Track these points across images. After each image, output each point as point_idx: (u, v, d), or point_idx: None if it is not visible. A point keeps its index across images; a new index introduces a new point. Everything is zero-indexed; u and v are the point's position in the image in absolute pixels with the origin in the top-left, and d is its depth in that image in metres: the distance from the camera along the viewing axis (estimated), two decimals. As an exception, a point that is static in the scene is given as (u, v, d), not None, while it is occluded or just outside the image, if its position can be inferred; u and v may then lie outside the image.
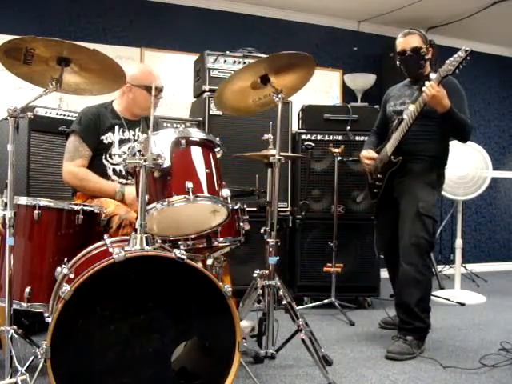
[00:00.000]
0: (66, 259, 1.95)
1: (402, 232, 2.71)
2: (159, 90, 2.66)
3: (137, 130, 2.70)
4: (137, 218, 1.87)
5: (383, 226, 3.04)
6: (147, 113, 2.72)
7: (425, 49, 2.73)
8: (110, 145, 2.59)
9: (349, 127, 3.72)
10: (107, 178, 2.58)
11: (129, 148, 2.58)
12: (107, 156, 2.59)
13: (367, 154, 2.94)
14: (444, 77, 2.45)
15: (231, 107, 2.51)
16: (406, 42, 2.76)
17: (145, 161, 1.85)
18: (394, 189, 2.82)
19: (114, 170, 2.60)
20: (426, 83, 2.49)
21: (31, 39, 1.84)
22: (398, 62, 2.81)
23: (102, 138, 2.58)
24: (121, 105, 2.71)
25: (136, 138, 2.67)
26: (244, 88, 2.35)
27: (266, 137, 2.49)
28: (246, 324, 2.65)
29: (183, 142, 1.99)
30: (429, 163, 2.74)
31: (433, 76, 2.52)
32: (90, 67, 2.02)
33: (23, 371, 1.75)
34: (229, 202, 2.06)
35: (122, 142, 2.62)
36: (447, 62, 2.44)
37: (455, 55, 2.41)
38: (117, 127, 2.63)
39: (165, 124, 3.44)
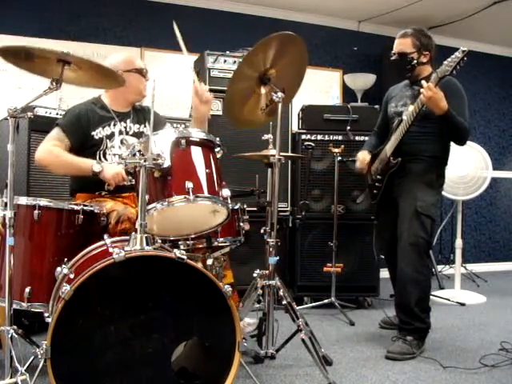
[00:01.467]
0: (66, 259, 1.95)
1: (400, 231, 2.71)
2: (146, 70, 2.70)
3: (128, 121, 2.66)
4: (137, 217, 1.87)
5: (383, 226, 3.04)
6: (141, 97, 2.73)
7: (415, 54, 2.71)
8: (101, 140, 2.56)
9: (349, 127, 3.72)
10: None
11: (122, 141, 2.58)
12: (101, 155, 2.56)
13: (361, 158, 2.96)
14: (441, 77, 2.44)
15: (246, 121, 2.54)
16: (397, 44, 2.77)
17: (145, 161, 1.84)
18: (394, 189, 2.82)
19: None
20: (424, 83, 2.48)
21: (24, 49, 1.84)
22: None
23: (93, 133, 2.55)
24: (110, 97, 2.66)
25: (128, 129, 2.65)
26: (250, 96, 2.37)
27: (265, 137, 2.49)
28: (251, 321, 2.65)
29: (183, 141, 1.99)
30: (428, 163, 2.73)
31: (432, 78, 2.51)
32: (89, 69, 2.03)
33: (23, 371, 1.75)
34: (229, 202, 2.06)
35: (113, 134, 2.59)
36: (445, 62, 2.43)
37: (452, 56, 2.40)
38: (108, 123, 2.59)
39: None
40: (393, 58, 2.77)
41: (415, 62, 2.72)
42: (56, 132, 2.52)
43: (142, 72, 2.66)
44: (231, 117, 2.47)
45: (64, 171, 2.55)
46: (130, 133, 2.65)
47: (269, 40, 2.25)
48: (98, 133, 2.56)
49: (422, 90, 2.49)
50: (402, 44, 2.75)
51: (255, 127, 2.63)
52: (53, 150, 2.46)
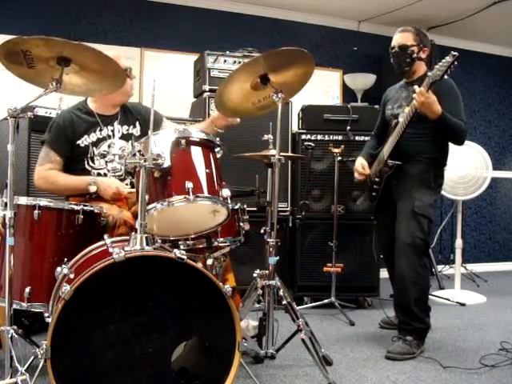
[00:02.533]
0: (66, 259, 1.95)
1: (398, 232, 2.71)
2: (130, 69, 2.65)
3: (115, 123, 2.62)
4: (136, 217, 1.87)
5: (382, 227, 3.03)
6: (128, 97, 2.70)
7: (416, 47, 2.73)
8: (87, 148, 2.54)
9: (349, 127, 3.73)
10: None
11: (109, 146, 2.56)
12: (89, 161, 2.55)
13: (361, 170, 2.94)
14: (433, 82, 2.43)
15: (231, 109, 2.49)
16: (397, 38, 2.79)
17: (145, 161, 1.84)
18: (392, 191, 2.83)
19: (98, 174, 2.56)
20: (416, 88, 2.47)
21: (20, 40, 1.83)
22: (391, 59, 2.83)
23: (78, 142, 2.53)
24: (96, 102, 2.62)
25: (116, 132, 2.61)
26: (244, 89, 2.34)
27: (266, 137, 2.49)
28: (256, 324, 2.64)
29: (183, 142, 1.99)
30: (426, 164, 2.73)
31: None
32: (90, 66, 2.02)
33: (23, 371, 1.75)
34: (229, 202, 2.06)
35: (99, 141, 2.56)
36: (436, 66, 2.42)
37: (443, 60, 2.40)
38: (94, 130, 2.56)
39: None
40: (394, 50, 2.77)
41: (415, 55, 2.73)
42: (45, 152, 2.52)
43: (126, 72, 2.62)
44: (218, 101, 2.40)
45: (63, 193, 2.55)
46: (118, 136, 2.61)
47: (278, 52, 2.24)
48: (84, 140, 2.54)
49: (414, 95, 2.49)
50: (403, 37, 2.76)
51: (239, 117, 2.62)
52: (48, 176, 2.50)
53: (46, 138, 2.54)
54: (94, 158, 2.55)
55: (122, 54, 2.74)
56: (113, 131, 2.61)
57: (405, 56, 2.75)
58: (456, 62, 2.37)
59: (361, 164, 2.96)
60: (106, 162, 2.55)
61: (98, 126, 2.58)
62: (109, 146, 2.57)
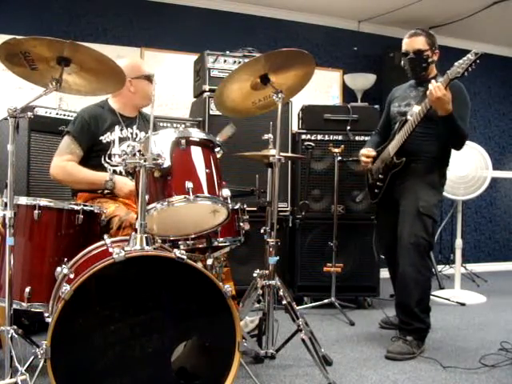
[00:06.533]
0: (66, 259, 1.95)
1: (401, 231, 2.70)
2: (153, 75, 2.69)
3: (134, 127, 2.69)
4: (137, 218, 1.87)
5: (383, 226, 3.03)
6: (150, 102, 2.73)
7: (429, 51, 2.71)
8: (109, 144, 2.57)
9: (349, 127, 3.73)
10: None
11: (128, 146, 2.59)
12: (106, 157, 2.57)
13: (366, 153, 2.93)
14: (452, 79, 2.41)
15: (231, 108, 2.49)
16: (410, 43, 2.74)
17: (145, 161, 1.85)
18: (395, 189, 2.81)
19: (114, 171, 2.58)
20: (433, 82, 2.46)
21: (17, 41, 1.83)
22: (402, 63, 2.81)
23: (101, 138, 2.57)
24: (118, 102, 2.69)
25: (134, 135, 2.67)
26: (244, 89, 2.34)
27: (266, 137, 2.49)
28: (251, 318, 2.65)
29: (183, 142, 1.99)
30: (431, 164, 2.73)
31: (441, 79, 2.49)
32: (89, 66, 2.02)
33: (23, 371, 1.75)
34: (229, 201, 2.06)
35: (120, 140, 2.58)
36: (456, 64, 2.40)
37: (465, 58, 2.37)
38: (116, 127, 2.60)
39: (164, 124, 3.46)
40: (409, 56, 2.72)
41: (430, 59, 2.72)
42: (67, 142, 2.54)
43: (149, 78, 2.68)
44: (218, 100, 2.41)
45: (78, 187, 2.56)
46: (137, 139, 2.66)
47: (278, 52, 2.24)
48: (106, 137, 2.59)
49: (430, 88, 2.46)
50: (417, 42, 2.72)
51: (239, 116, 2.63)
52: (65, 166, 2.51)
53: (69, 129, 2.56)
54: (112, 155, 2.57)
55: (122, 54, 2.75)
56: (132, 133, 2.66)
57: (420, 61, 2.72)
58: (478, 61, 2.34)
59: (366, 149, 2.95)
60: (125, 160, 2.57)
61: (120, 125, 2.63)
62: (128, 146, 2.59)
